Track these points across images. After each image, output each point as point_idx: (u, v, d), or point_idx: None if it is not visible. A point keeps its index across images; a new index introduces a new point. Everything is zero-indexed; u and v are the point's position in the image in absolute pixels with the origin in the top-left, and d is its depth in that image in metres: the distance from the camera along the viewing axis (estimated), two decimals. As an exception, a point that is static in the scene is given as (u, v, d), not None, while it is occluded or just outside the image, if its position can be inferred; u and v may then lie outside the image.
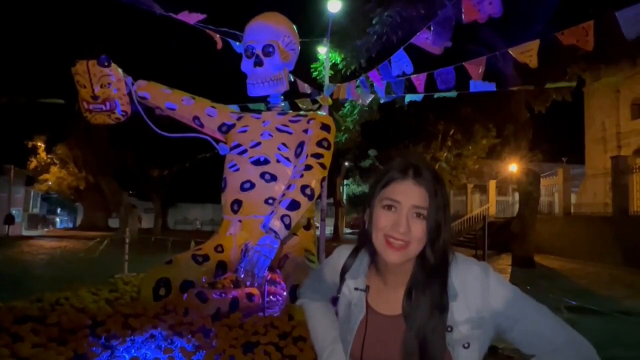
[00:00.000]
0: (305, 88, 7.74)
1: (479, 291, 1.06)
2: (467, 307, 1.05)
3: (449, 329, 1.04)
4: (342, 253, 1.28)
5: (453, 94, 7.26)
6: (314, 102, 8.03)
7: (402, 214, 1.07)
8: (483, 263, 1.12)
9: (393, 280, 1.15)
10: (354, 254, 1.24)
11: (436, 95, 7.42)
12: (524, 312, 1.06)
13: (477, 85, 6.60)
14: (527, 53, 5.06)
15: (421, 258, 1.10)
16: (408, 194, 1.08)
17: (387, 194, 1.10)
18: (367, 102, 9.98)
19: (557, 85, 9.51)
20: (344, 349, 1.19)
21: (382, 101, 10.13)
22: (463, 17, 4.55)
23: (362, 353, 1.13)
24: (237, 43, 5.85)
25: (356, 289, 1.18)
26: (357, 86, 8.02)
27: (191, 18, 5.60)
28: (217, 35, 5.94)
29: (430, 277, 1.08)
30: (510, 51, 5.26)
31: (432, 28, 5.21)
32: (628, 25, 3.97)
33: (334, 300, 1.32)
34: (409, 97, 8.56)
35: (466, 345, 1.03)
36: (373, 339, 1.13)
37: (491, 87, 6.58)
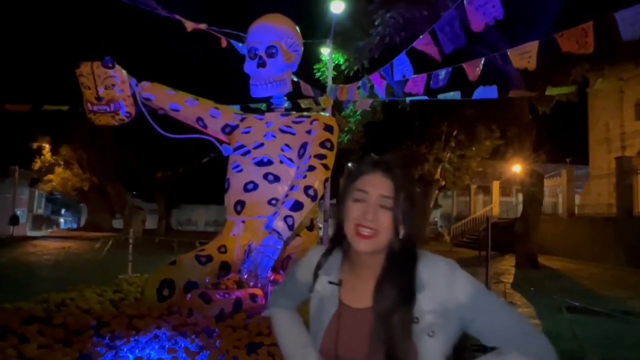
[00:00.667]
0: (309, 90, 7.76)
1: (446, 284, 1.12)
2: (433, 298, 1.10)
3: (416, 320, 1.08)
4: (315, 252, 1.31)
5: (456, 97, 7.26)
6: (317, 103, 8.04)
7: (370, 203, 1.14)
8: (450, 259, 1.18)
9: (365, 273, 1.18)
10: (328, 252, 1.27)
11: (440, 96, 7.42)
12: (487, 306, 1.13)
13: (479, 92, 6.64)
14: (526, 55, 5.06)
15: (390, 250, 1.15)
16: (376, 185, 1.15)
17: (357, 186, 1.17)
18: (368, 107, 9.99)
19: (558, 91, 9.46)
20: (315, 346, 1.20)
21: (386, 99, 10.13)
22: (471, 26, 4.55)
23: (337, 348, 1.13)
24: (240, 44, 5.88)
25: (330, 282, 1.21)
26: (358, 87, 8.04)
27: (190, 25, 5.65)
28: (222, 37, 5.98)
29: (398, 269, 1.13)
30: (509, 53, 5.25)
31: (437, 34, 5.22)
32: (625, 26, 3.97)
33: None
34: (410, 98, 8.57)
35: (431, 333, 1.08)
36: (346, 333, 1.14)
37: (493, 94, 6.60)
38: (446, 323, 1.10)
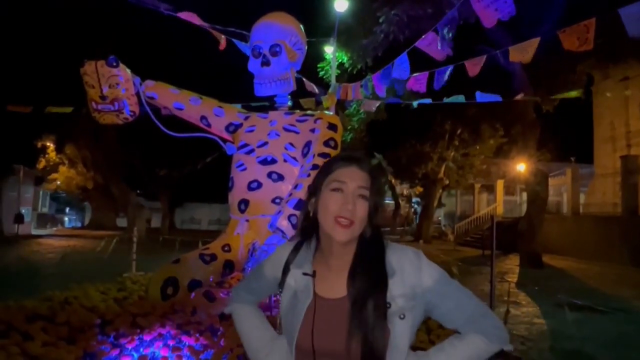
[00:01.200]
0: (313, 88, 7.74)
1: (414, 270, 1.19)
2: (402, 283, 1.17)
3: (388, 304, 1.14)
4: (284, 248, 1.34)
5: (460, 100, 7.25)
6: (319, 103, 8.03)
7: (348, 193, 1.19)
8: (415, 249, 1.25)
9: (337, 265, 1.22)
10: (297, 247, 1.30)
11: (445, 100, 7.41)
12: (450, 290, 1.22)
13: (484, 95, 6.65)
14: (527, 51, 5.05)
15: (362, 239, 1.22)
16: (353, 176, 1.21)
17: (334, 178, 1.22)
18: (373, 108, 9.97)
19: (563, 95, 9.40)
20: (289, 341, 1.21)
21: (389, 101, 10.12)
22: (483, 22, 4.52)
23: (313, 341, 1.15)
24: (243, 43, 5.87)
25: (304, 274, 1.23)
26: (361, 86, 8.04)
27: (194, 19, 5.63)
28: (223, 37, 5.96)
29: (370, 256, 1.20)
30: (510, 50, 5.23)
31: (438, 32, 5.20)
32: (631, 23, 3.94)
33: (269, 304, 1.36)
34: (417, 102, 8.59)
35: (402, 316, 1.14)
36: (322, 324, 1.16)
37: (497, 97, 6.62)
38: (414, 306, 1.17)
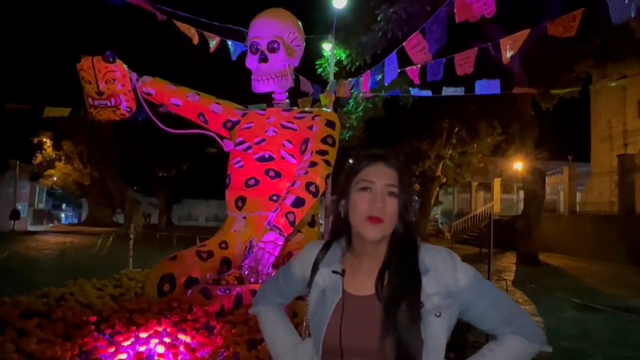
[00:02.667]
0: (308, 85, 7.71)
1: (448, 269, 1.18)
2: (437, 282, 1.16)
3: (422, 304, 1.12)
4: (313, 247, 1.32)
5: (459, 93, 7.26)
6: (316, 101, 8.00)
7: (377, 192, 1.18)
8: (448, 249, 1.24)
9: (368, 264, 1.21)
10: (326, 247, 1.29)
11: (443, 93, 7.41)
12: (486, 289, 1.21)
13: (482, 85, 6.64)
14: (517, 43, 5.08)
15: (394, 237, 1.21)
16: (381, 175, 1.20)
17: (361, 177, 1.20)
18: (368, 94, 9.97)
19: (562, 91, 9.44)
20: (316, 340, 1.18)
21: (387, 95, 10.12)
22: (456, 17, 4.56)
23: (341, 338, 1.13)
24: (231, 41, 5.86)
25: (333, 272, 1.22)
26: (352, 88, 8.07)
27: (183, 27, 5.63)
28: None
29: (402, 254, 1.19)
30: (501, 42, 5.26)
31: (425, 33, 5.22)
32: (616, 9, 3.96)
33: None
34: (415, 92, 8.55)
35: (438, 314, 1.13)
36: (350, 322, 1.14)
37: (495, 88, 6.61)
38: (450, 304, 1.15)
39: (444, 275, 1.17)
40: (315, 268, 1.26)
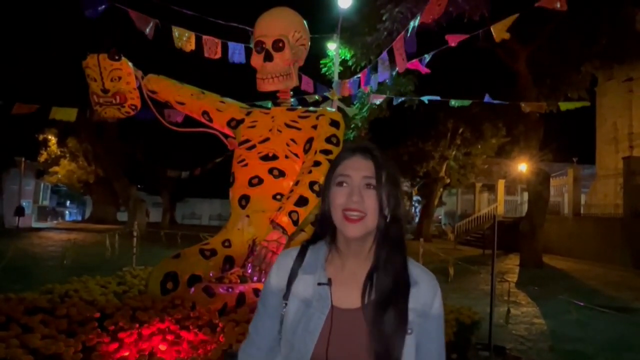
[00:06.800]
0: (310, 84, 7.70)
1: (430, 291, 1.15)
2: (417, 298, 1.13)
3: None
4: (287, 254, 1.23)
5: (467, 102, 7.28)
6: (324, 99, 8.00)
7: (354, 185, 1.13)
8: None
9: (354, 265, 1.16)
10: (302, 252, 1.21)
11: (452, 102, 7.45)
12: (441, 333, 1.17)
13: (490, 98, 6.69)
14: (506, 27, 5.11)
15: (380, 234, 1.14)
16: (357, 167, 1.14)
17: (339, 172, 1.16)
18: (377, 103, 10.02)
19: (569, 105, 9.36)
20: (299, 355, 1.09)
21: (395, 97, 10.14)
22: (420, 17, 4.61)
23: (327, 352, 1.08)
24: (240, 44, 5.85)
25: (319, 284, 1.14)
26: (358, 87, 8.09)
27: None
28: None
29: (390, 253, 1.13)
30: (492, 28, 5.26)
31: (405, 37, 5.27)
32: None
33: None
34: (426, 98, 8.62)
35: (410, 331, 1.09)
36: (338, 335, 1.09)
37: (503, 102, 6.66)
38: (421, 323, 1.12)
39: (425, 294, 1.13)
40: (292, 277, 1.17)
